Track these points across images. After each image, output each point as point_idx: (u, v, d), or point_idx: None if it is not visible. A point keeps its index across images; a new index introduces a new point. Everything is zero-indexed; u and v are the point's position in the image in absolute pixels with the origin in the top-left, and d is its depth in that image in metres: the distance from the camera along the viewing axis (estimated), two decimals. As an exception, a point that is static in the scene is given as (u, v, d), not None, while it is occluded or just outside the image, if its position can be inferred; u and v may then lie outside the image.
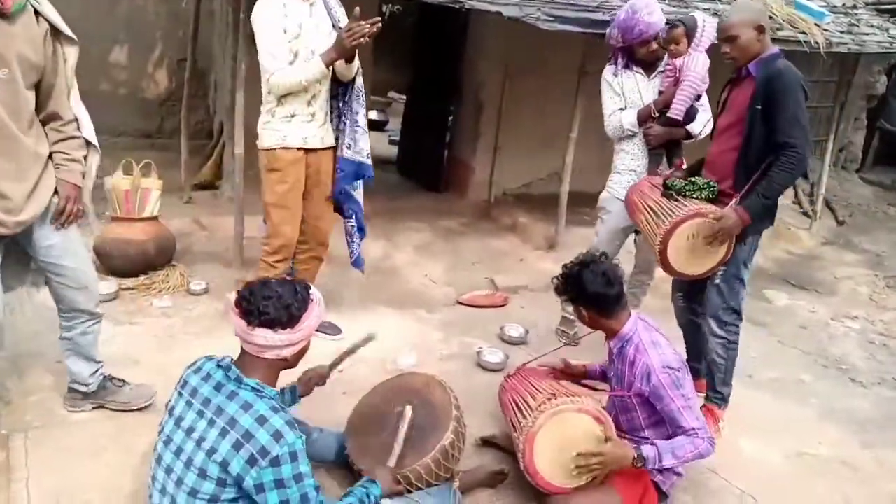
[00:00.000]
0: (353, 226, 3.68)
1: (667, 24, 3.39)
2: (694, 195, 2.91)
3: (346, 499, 2.03)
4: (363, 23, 2.96)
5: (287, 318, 1.89)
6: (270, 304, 1.86)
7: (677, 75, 3.40)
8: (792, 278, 5.49)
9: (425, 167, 7.03)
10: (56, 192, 2.41)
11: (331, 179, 3.45)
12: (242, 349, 1.93)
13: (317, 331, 3.56)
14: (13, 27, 2.18)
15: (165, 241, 4.19)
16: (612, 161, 3.69)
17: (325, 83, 3.26)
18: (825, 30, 5.36)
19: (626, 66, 3.53)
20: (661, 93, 3.50)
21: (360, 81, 3.40)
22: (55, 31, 2.33)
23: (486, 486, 2.58)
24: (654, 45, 3.43)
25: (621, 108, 3.52)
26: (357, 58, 3.24)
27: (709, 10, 5.11)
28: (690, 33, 3.33)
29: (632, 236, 3.80)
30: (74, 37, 2.40)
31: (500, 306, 4.45)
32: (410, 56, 7.87)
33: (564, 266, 2.59)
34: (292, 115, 3.21)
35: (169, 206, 5.18)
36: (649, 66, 3.53)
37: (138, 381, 2.88)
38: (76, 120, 2.47)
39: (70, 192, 2.42)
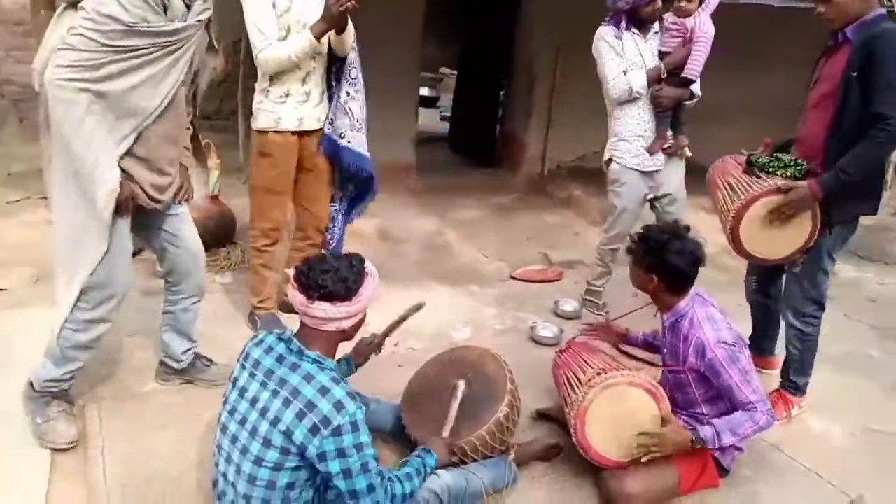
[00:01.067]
0: (335, 209, 3.53)
1: None
2: (778, 172, 2.70)
3: (404, 468, 2.08)
4: None
5: (345, 290, 1.92)
6: (328, 277, 1.90)
7: (686, 35, 3.31)
8: (860, 250, 5.25)
9: (477, 143, 7.01)
10: None
11: (327, 163, 3.33)
12: (302, 322, 1.99)
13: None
14: (201, 38, 2.47)
15: (226, 219, 4.31)
16: (612, 127, 3.58)
17: (320, 60, 3.13)
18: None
19: (626, 28, 3.43)
20: (663, 54, 3.44)
21: (352, 57, 3.22)
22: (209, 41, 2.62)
23: (541, 460, 2.59)
24: (659, 4, 3.35)
25: (625, 71, 3.42)
26: (352, 30, 3.11)
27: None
28: None
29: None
30: (217, 47, 2.69)
31: (554, 281, 4.43)
32: (461, 31, 7.81)
33: (647, 228, 2.51)
34: (287, 95, 3.09)
35: (228, 187, 5.31)
36: (644, 28, 3.45)
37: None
38: (193, 112, 2.74)
39: (185, 174, 2.69)
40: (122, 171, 2.33)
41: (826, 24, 2.62)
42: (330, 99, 3.31)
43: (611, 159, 3.61)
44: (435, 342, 3.45)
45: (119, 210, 2.34)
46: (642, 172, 3.57)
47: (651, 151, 3.52)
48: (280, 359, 1.94)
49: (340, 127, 3.28)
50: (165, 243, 2.66)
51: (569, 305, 3.91)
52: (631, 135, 3.51)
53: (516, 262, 4.59)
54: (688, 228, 2.50)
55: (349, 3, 2.86)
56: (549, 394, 2.99)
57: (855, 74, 2.49)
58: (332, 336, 1.98)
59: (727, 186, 2.79)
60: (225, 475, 1.96)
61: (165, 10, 2.27)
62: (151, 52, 2.25)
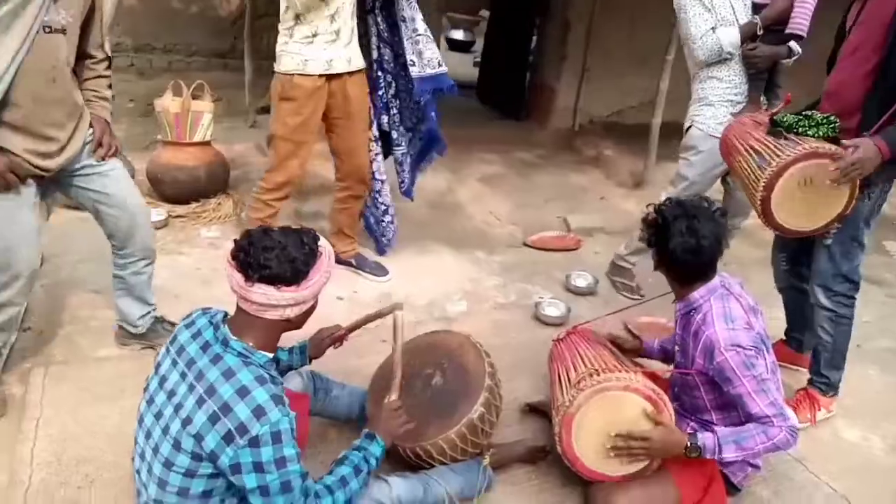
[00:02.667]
0: (403, 153, 3.37)
1: None
2: (809, 132, 2.30)
3: (339, 469, 1.75)
4: None
5: (292, 273, 1.60)
6: (273, 256, 1.58)
7: None
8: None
9: (505, 92, 6.53)
10: (91, 128, 2.34)
11: (365, 107, 3.12)
12: (238, 307, 1.67)
13: (362, 270, 3.41)
14: None
15: (218, 167, 4.02)
16: (696, 91, 3.10)
17: None
18: None
19: None
20: (758, 5, 2.91)
21: None
22: None
23: (525, 463, 2.28)
24: None
25: (713, 28, 2.91)
26: None
27: None
28: None
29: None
30: None
31: (572, 250, 4.05)
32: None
33: (666, 202, 2.11)
34: (314, 35, 2.83)
35: (233, 130, 5.04)
36: None
37: (176, 317, 2.75)
38: (108, 59, 2.42)
39: (104, 127, 2.37)
40: None
41: None
42: (378, 35, 3.14)
43: (691, 125, 3.13)
44: (427, 314, 3.15)
45: None
46: None
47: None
48: (205, 347, 1.65)
49: (433, 57, 3.08)
50: (97, 204, 2.38)
51: (582, 280, 3.53)
52: (719, 100, 3.01)
53: (531, 227, 4.21)
54: (722, 212, 2.08)
55: None
56: (547, 383, 2.66)
57: None
58: (272, 325, 1.66)
59: (750, 150, 2.35)
60: (139, 472, 1.70)
61: None
62: None
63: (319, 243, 1.70)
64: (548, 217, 4.41)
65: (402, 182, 3.50)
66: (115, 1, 2.35)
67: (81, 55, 2.28)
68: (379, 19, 3.12)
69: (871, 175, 2.23)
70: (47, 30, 2.03)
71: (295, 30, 2.84)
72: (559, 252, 3.98)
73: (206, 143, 3.97)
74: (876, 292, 3.78)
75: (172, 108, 3.81)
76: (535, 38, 6.38)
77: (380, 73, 3.27)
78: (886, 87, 2.22)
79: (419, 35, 3.02)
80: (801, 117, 2.35)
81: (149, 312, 2.65)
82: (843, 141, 2.22)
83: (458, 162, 5.02)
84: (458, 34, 10.25)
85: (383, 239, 3.58)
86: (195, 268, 3.38)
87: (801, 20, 2.88)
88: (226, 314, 1.73)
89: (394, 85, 3.31)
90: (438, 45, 5.30)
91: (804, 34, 2.90)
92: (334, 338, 2.17)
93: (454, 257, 3.76)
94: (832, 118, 2.31)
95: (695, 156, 3.11)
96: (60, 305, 2.91)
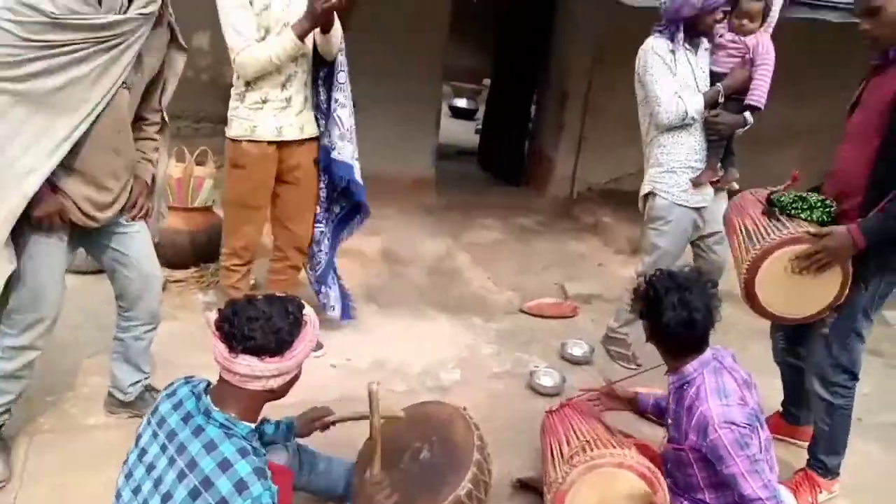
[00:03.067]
0: (322, 231, 3.20)
1: None
2: (802, 215, 2.28)
3: None
4: None
5: (276, 344, 1.60)
6: (258, 327, 1.58)
7: (746, 55, 2.93)
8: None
9: (505, 159, 6.66)
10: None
11: (314, 176, 3.05)
12: (221, 377, 1.66)
13: None
14: (155, 37, 2.22)
15: (218, 232, 4.03)
16: (654, 156, 3.12)
17: (302, 63, 2.85)
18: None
19: (682, 41, 2.99)
20: (716, 74, 3.02)
21: (340, 59, 2.93)
22: (172, 38, 2.36)
23: (515, 540, 2.22)
24: (720, 16, 2.94)
25: (676, 92, 2.97)
26: (339, 30, 2.82)
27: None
28: (767, 9, 2.88)
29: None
30: (185, 45, 2.42)
31: (569, 317, 4.03)
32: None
33: (656, 274, 2.10)
34: (264, 101, 2.81)
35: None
36: (694, 43, 3.03)
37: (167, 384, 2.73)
38: (161, 123, 2.49)
39: (143, 188, 2.41)
40: (51, 183, 2.07)
41: (872, 43, 2.20)
42: (318, 107, 3.05)
43: (652, 193, 3.15)
44: (419, 383, 3.11)
45: (43, 226, 2.09)
46: (690, 209, 3.12)
47: (697, 183, 3.07)
48: (187, 418, 1.63)
49: (332, 137, 3.02)
50: (115, 263, 2.41)
51: (578, 349, 3.50)
52: (680, 166, 3.06)
53: (529, 293, 4.21)
54: (714, 284, 2.08)
55: (334, 1, 2.59)
56: (540, 457, 2.61)
57: None
58: (256, 395, 1.65)
59: (743, 230, 2.36)
60: (116, 551, 1.65)
61: (100, 0, 2.00)
62: (82, 49, 1.97)
63: (304, 311, 1.70)
64: (546, 283, 4.41)
65: (319, 265, 3.27)
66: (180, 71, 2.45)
67: (137, 116, 2.37)
68: (321, 89, 3.06)
69: (870, 264, 2.19)
70: (124, 85, 2.14)
71: (245, 95, 2.83)
72: (556, 319, 3.96)
73: (208, 209, 4.02)
74: (875, 363, 3.72)
75: (175, 173, 3.87)
76: (534, 107, 6.54)
77: None
78: (888, 170, 2.16)
79: (337, 123, 2.98)
80: (796, 198, 2.33)
81: (140, 381, 2.63)
82: (807, 230, 2.20)
83: (458, 227, 5.07)
84: (462, 102, 10.53)
85: (347, 302, 3.45)
86: (190, 333, 3.36)
87: (759, 93, 2.94)
88: (208, 383, 1.72)
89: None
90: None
91: (762, 107, 2.97)
92: (322, 423, 2.15)
93: (451, 324, 3.75)
94: (827, 202, 2.29)
95: (664, 225, 3.14)
96: (52, 370, 2.87)
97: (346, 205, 3.28)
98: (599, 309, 4.13)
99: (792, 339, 2.68)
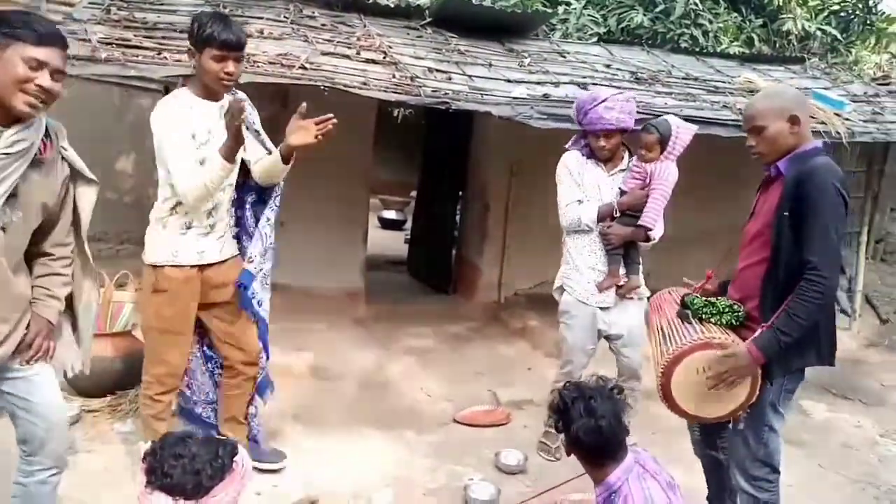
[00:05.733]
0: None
1: (640, 128, 3.23)
2: (712, 319, 2.41)
3: None
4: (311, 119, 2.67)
5: (192, 486, 1.55)
6: (178, 465, 1.53)
7: (647, 180, 3.22)
8: (832, 386, 4.91)
9: (434, 268, 6.79)
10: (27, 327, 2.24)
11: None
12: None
13: (260, 462, 3.14)
14: (40, 175, 2.11)
15: (137, 358, 3.86)
16: (565, 253, 3.44)
17: (228, 191, 2.89)
18: (846, 119, 5.07)
19: (590, 156, 3.34)
20: (623, 193, 3.30)
21: (280, 184, 2.98)
22: (73, 174, 2.27)
23: None
24: (603, 143, 3.25)
25: (579, 200, 3.31)
26: (276, 150, 2.84)
27: (717, 102, 4.90)
28: (664, 140, 3.18)
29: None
30: (94, 178, 2.32)
31: (502, 424, 4.02)
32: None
33: (567, 384, 2.18)
34: (188, 227, 2.81)
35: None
36: (608, 161, 3.36)
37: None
38: (68, 258, 2.35)
39: (42, 328, 2.25)
40: None
41: (758, 157, 2.42)
42: (242, 226, 3.08)
43: (561, 287, 3.47)
44: (350, 508, 3.00)
45: None
46: (592, 307, 3.36)
47: (601, 288, 3.34)
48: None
49: (253, 252, 2.98)
50: (15, 408, 2.23)
51: (512, 458, 3.48)
52: (585, 266, 3.36)
53: (463, 401, 4.19)
54: (619, 390, 2.16)
55: (243, 115, 2.59)
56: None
57: (786, 214, 2.26)
58: None
59: (659, 331, 2.48)
60: None
61: None
62: None
63: (237, 458, 1.65)
64: (478, 391, 4.42)
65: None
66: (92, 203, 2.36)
67: (41, 252, 2.26)
68: (248, 213, 3.08)
69: (773, 367, 2.29)
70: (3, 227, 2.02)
71: (168, 221, 2.81)
72: (489, 427, 3.95)
73: (126, 333, 3.90)
74: (797, 453, 3.83)
75: (93, 299, 3.77)
76: (458, 218, 6.78)
77: None
78: (777, 277, 2.30)
79: (268, 244, 3.00)
80: (706, 303, 2.45)
81: None
82: (713, 339, 2.30)
83: (389, 337, 5.06)
84: (391, 214, 10.82)
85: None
86: (104, 468, 3.17)
87: (652, 215, 3.21)
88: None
89: None
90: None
91: (652, 227, 3.24)
92: None
93: (383, 439, 3.67)
94: (736, 307, 2.41)
95: (570, 319, 3.40)
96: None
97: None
98: (531, 414, 4.15)
99: (707, 431, 2.74)
